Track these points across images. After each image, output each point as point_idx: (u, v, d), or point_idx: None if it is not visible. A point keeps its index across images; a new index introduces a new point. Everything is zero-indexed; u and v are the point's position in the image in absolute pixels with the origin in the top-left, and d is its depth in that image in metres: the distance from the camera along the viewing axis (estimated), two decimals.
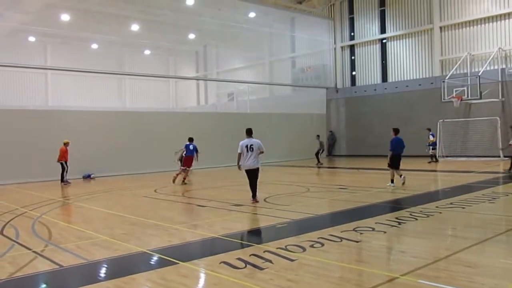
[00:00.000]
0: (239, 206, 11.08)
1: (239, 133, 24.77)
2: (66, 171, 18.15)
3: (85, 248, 7.27)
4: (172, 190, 15.21)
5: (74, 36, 30.93)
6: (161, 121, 23.86)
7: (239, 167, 11.76)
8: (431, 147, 23.41)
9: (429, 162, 23.01)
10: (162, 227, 8.79)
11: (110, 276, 5.95)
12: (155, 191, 15.03)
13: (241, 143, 11.78)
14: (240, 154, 11.66)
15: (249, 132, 12.02)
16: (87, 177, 20.35)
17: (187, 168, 17.05)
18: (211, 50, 38.07)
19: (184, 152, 17.17)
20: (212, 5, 28.12)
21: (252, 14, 29.47)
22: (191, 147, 17.09)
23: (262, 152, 11.85)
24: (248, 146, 11.64)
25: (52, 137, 19.60)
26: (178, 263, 6.16)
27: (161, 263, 6.31)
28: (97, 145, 20.72)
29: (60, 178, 18.08)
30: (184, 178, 16.90)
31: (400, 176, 14.01)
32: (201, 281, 5.76)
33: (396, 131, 14.51)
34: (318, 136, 25.54)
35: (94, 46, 33.18)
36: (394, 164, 14.05)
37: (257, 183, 11.79)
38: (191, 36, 34.18)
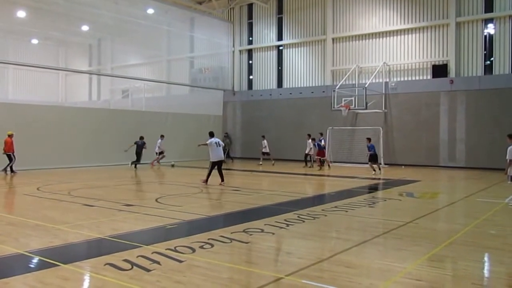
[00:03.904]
0: (129, 206, 10.76)
1: (133, 131, 24.46)
2: (13, 162, 18.96)
3: None
4: (57, 188, 14.35)
5: None
6: (47, 115, 22.44)
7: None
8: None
9: (319, 166, 24.30)
10: (44, 227, 8.26)
11: None
12: (37, 189, 14.07)
13: (211, 140, 15.13)
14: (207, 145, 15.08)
15: (212, 134, 15.62)
16: None
17: (321, 158, 23.17)
18: (105, 44, 36.51)
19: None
20: None
21: (150, 11, 28.83)
22: (322, 142, 23.65)
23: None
24: (217, 143, 15.09)
25: None
26: (59, 265, 5.81)
27: (40, 266, 5.92)
28: None
29: (5, 168, 18.88)
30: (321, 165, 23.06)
31: (374, 170, 20.44)
32: (84, 284, 5.48)
33: (369, 140, 21.14)
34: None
35: None
36: (373, 159, 20.74)
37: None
38: (85, 28, 32.55)
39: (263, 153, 25.86)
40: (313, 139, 23.47)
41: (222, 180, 15.27)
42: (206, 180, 15.23)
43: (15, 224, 8.69)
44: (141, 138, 22.96)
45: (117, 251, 6.52)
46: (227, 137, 31.85)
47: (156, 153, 24.36)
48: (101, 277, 5.40)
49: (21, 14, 27.25)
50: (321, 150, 23.21)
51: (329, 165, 23.66)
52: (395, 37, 26.11)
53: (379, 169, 21.39)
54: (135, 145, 22.61)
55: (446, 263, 6.41)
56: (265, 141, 26.06)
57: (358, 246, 7.10)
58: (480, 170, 21.99)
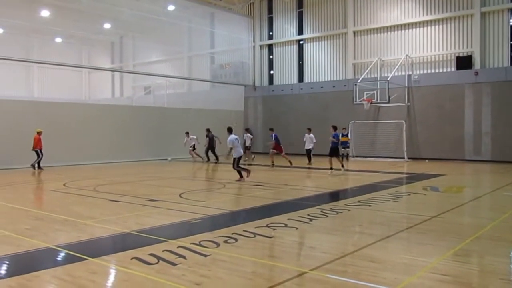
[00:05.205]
0: (153, 201, 10.89)
1: (155, 127, 24.65)
2: (41, 159, 19.52)
3: None
4: (83, 184, 14.60)
5: None
6: (72, 113, 22.83)
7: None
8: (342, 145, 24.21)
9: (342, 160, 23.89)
10: (71, 222, 8.43)
11: (11, 273, 5.61)
12: (64, 185, 14.35)
13: (232, 138, 15.01)
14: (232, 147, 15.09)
15: (230, 130, 15.50)
16: None
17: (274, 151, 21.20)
18: (127, 42, 36.93)
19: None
20: None
21: (171, 7, 29.02)
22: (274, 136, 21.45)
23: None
24: (237, 139, 15.14)
25: None
26: (86, 259, 5.95)
27: (69, 259, 6.06)
28: (1, 135, 19.44)
29: (33, 164, 19.48)
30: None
31: (331, 168, 17.64)
32: (111, 277, 5.59)
33: (335, 128, 18.21)
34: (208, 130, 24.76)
35: None
36: (334, 153, 17.74)
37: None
38: (107, 26, 32.96)
39: (247, 147, 24.18)
40: (271, 130, 22.10)
41: (241, 176, 15.27)
42: (248, 172, 15.22)
43: (43, 219, 8.90)
44: (208, 130, 24.16)
45: (143, 245, 6.62)
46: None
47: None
48: (128, 270, 5.50)
49: (45, 13, 27.72)
50: (278, 144, 21.06)
51: (290, 161, 20.41)
52: (418, 29, 25.74)
53: (342, 166, 18.08)
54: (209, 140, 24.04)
55: (473, 258, 6.34)
56: (248, 134, 25.32)
57: (382, 240, 7.06)
58: (506, 164, 21.59)
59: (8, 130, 19.81)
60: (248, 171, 15.38)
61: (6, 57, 24.13)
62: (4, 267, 5.92)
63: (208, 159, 24.40)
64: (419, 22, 25.62)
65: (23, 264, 6.02)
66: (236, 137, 15.39)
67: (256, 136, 32.16)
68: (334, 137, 17.95)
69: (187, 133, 24.55)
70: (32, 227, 8.05)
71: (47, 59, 29.77)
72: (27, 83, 35.80)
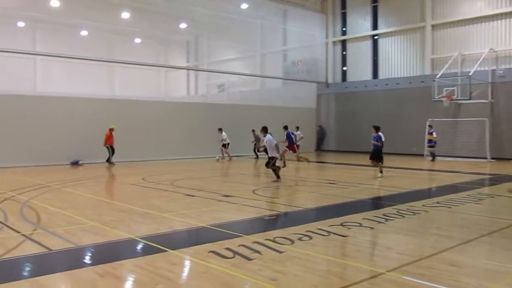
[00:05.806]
0: (227, 197, 11.12)
1: (229, 124, 25.10)
2: (112, 154, 20.53)
3: (74, 233, 7.29)
4: (161, 179, 15.17)
5: (64, 22, 30.57)
6: (150, 110, 23.78)
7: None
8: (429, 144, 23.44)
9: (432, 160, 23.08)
10: (151, 215, 8.81)
11: (98, 261, 5.95)
12: (143, 179, 15.00)
13: (271, 138, 14.40)
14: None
15: (266, 129, 14.78)
16: (75, 163, 20.26)
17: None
18: (202, 41, 37.85)
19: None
20: None
21: (244, 6, 29.33)
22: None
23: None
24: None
25: (41, 123, 19.74)
26: (166, 251, 6.20)
27: (150, 250, 6.34)
28: (85, 131, 20.66)
29: (108, 160, 20.52)
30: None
31: (381, 171, 15.71)
32: (190, 269, 5.80)
33: (377, 129, 15.81)
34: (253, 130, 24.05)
35: (84, 32, 32.85)
36: (376, 157, 15.68)
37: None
38: (182, 25, 33.96)
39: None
40: (285, 128, 19.85)
41: (278, 177, 14.46)
42: (278, 176, 14.43)
43: (126, 211, 9.37)
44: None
45: (219, 239, 6.79)
46: (321, 129, 31.59)
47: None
48: (206, 263, 5.66)
49: (125, 15, 29.02)
50: (291, 144, 19.38)
51: (299, 160, 19.70)
52: (503, 20, 24.23)
53: (381, 171, 15.75)
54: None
55: None
56: (297, 132, 23.99)
57: (462, 244, 6.76)
58: None
59: (92, 126, 20.92)
60: (278, 177, 14.40)
61: (91, 57, 25.60)
62: (91, 255, 6.33)
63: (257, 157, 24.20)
64: (505, 13, 24.09)
65: (108, 253, 6.40)
66: (272, 138, 14.54)
67: (329, 134, 31.89)
68: (376, 140, 15.59)
69: (220, 129, 23.80)
70: (116, 219, 8.51)
71: (127, 59, 31.19)
72: (109, 82, 37.62)
